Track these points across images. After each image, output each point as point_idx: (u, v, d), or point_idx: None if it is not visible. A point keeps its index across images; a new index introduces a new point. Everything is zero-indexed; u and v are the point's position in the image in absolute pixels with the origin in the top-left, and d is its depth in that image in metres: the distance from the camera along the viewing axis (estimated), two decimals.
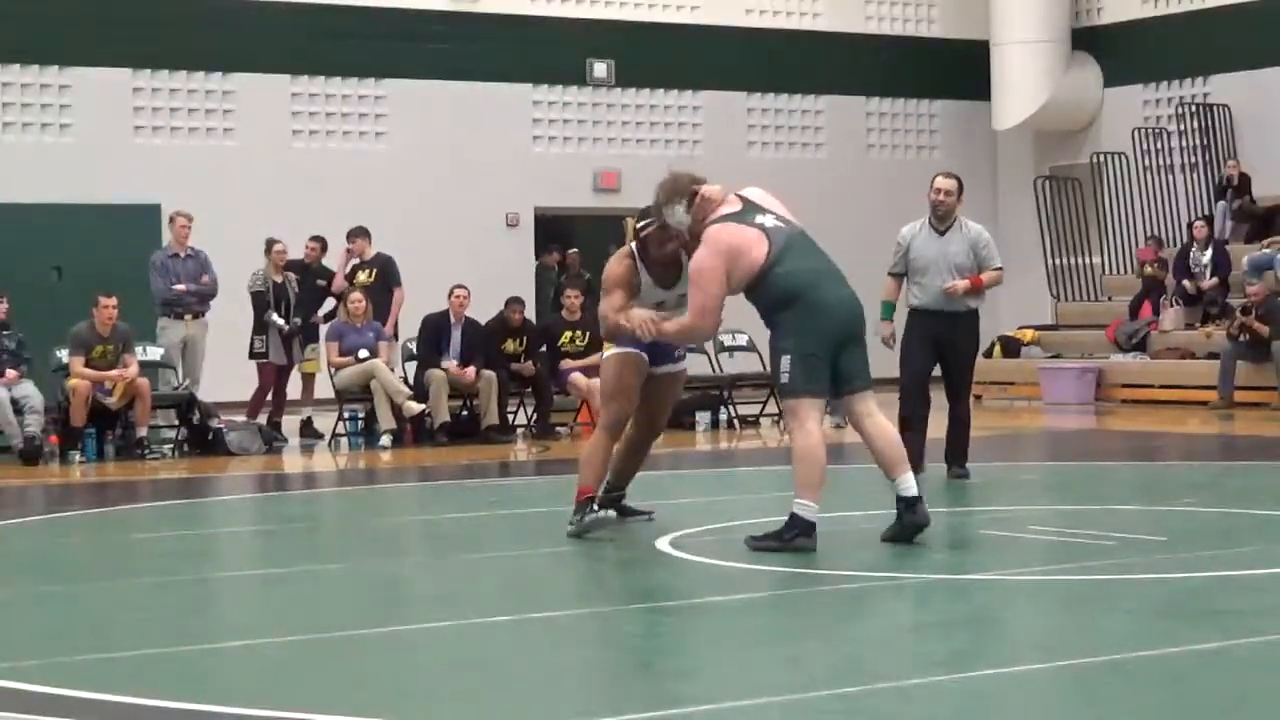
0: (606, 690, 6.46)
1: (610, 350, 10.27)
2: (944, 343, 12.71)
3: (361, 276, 18.95)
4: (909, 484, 9.38)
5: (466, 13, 25.23)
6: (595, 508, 10.13)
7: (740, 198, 9.57)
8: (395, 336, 19.02)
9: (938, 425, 12.84)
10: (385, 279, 19.05)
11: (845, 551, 9.38)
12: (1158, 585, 8.43)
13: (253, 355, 18.50)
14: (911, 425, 12.30)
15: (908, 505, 9.37)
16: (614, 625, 7.84)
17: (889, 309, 12.87)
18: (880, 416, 9.46)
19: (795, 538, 9.26)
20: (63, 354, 17.09)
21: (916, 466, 12.37)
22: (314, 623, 7.85)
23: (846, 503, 11.02)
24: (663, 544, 9.78)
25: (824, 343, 9.28)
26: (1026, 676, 6.43)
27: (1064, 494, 12.49)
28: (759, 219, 9.42)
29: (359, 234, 19.24)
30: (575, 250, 26.40)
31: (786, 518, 9.33)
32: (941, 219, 12.81)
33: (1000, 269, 12.90)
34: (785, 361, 9.32)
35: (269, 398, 18.57)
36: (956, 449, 12.85)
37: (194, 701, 6.19)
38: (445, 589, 8.96)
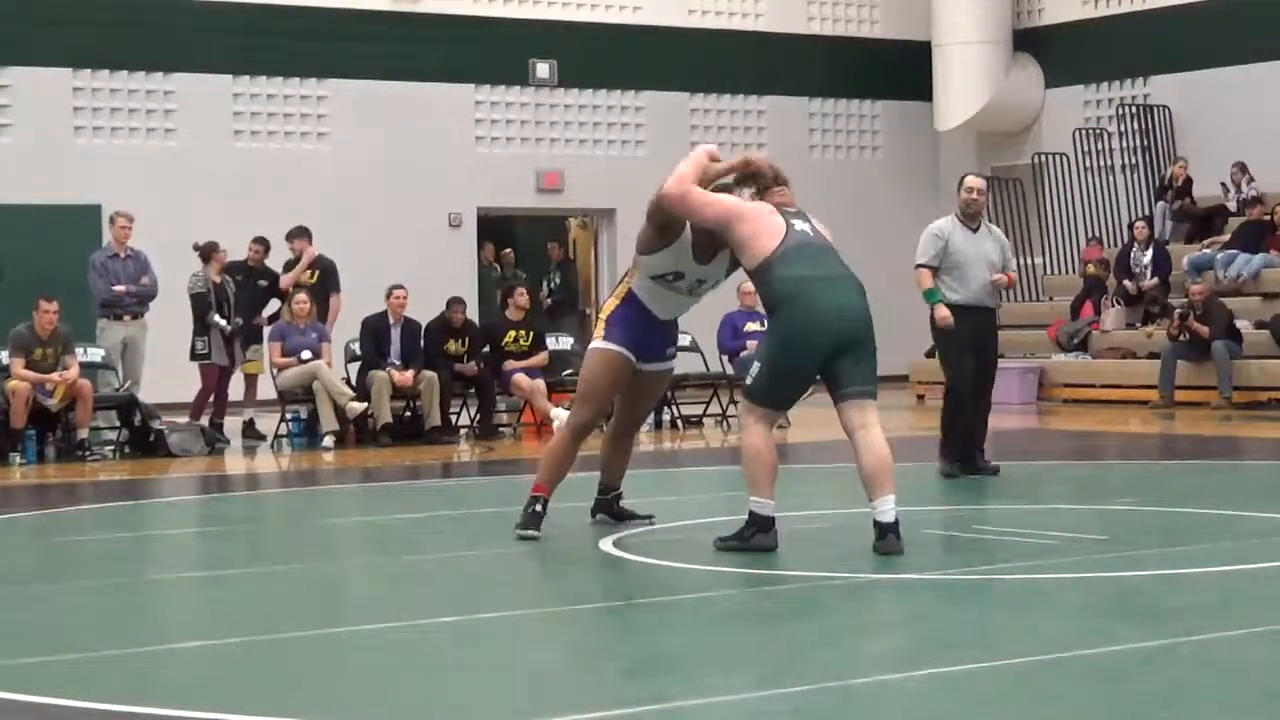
0: (552, 691, 6.46)
1: (596, 344, 10.02)
2: (979, 338, 13.14)
3: (304, 276, 18.95)
4: (886, 509, 9.14)
5: (408, 13, 25.20)
6: (539, 509, 10.07)
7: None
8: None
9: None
10: (325, 283, 19.04)
11: (788, 552, 9.39)
12: (1099, 584, 8.48)
13: (195, 357, 18.41)
14: (965, 414, 13.09)
15: (880, 533, 9.15)
16: (558, 626, 7.83)
17: (939, 295, 13.02)
18: (876, 430, 9.20)
19: (754, 535, 9.30)
20: (2, 356, 16.99)
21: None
22: (259, 624, 7.82)
23: (788, 504, 11.02)
24: (606, 545, 9.78)
25: (807, 355, 9.18)
26: (969, 676, 6.45)
27: (1006, 493, 12.53)
28: (791, 219, 9.42)
29: (299, 234, 19.22)
30: (509, 250, 26.37)
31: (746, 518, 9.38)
32: (972, 217, 13.16)
33: (1014, 272, 13.68)
34: (755, 368, 9.34)
35: (209, 399, 18.50)
36: (981, 443, 13.30)
37: (138, 704, 6.16)
38: (391, 590, 8.94)
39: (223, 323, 18.27)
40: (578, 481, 10.82)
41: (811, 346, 9.17)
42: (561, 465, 10.18)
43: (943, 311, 12.96)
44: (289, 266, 19.15)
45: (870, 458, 9.17)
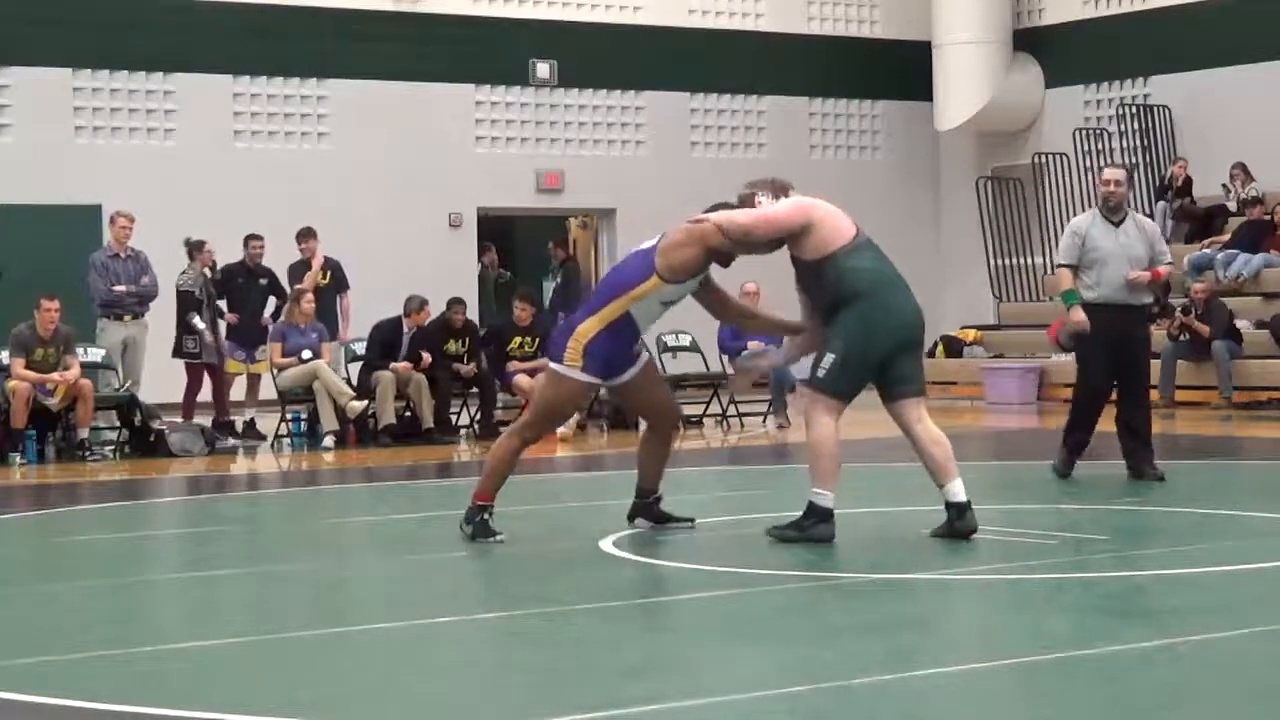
0: (552, 691, 6.46)
1: (572, 373, 9.72)
2: (1123, 338, 12.62)
3: (319, 278, 19.06)
4: (957, 490, 9.59)
5: (409, 13, 25.18)
6: (488, 516, 9.94)
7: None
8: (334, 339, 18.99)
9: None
10: (337, 283, 19.17)
11: (788, 552, 9.39)
12: (1100, 584, 8.48)
13: (183, 355, 18.37)
14: (1081, 440, 12.81)
15: (958, 512, 9.58)
16: (558, 626, 7.83)
17: (1076, 296, 12.64)
18: (929, 422, 9.61)
19: (814, 525, 9.48)
20: (3, 355, 16.99)
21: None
22: (259, 624, 7.83)
23: (790, 503, 11.03)
24: (606, 544, 9.79)
25: (878, 349, 9.46)
26: (969, 675, 6.45)
27: (1007, 493, 12.53)
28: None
29: (308, 234, 19.29)
30: (490, 250, 26.33)
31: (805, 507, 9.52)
32: (1114, 210, 12.74)
33: (1171, 264, 13.09)
34: (828, 359, 9.51)
35: (197, 397, 18.47)
36: (1148, 447, 12.89)
37: (138, 704, 6.17)
38: (389, 590, 8.94)
39: (203, 326, 18.24)
40: (576, 481, 10.83)
41: (886, 341, 9.46)
42: (506, 473, 9.99)
43: (1078, 315, 12.50)
44: (296, 267, 19.17)
45: (939, 450, 9.59)
